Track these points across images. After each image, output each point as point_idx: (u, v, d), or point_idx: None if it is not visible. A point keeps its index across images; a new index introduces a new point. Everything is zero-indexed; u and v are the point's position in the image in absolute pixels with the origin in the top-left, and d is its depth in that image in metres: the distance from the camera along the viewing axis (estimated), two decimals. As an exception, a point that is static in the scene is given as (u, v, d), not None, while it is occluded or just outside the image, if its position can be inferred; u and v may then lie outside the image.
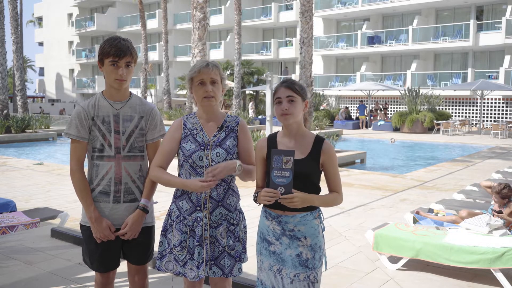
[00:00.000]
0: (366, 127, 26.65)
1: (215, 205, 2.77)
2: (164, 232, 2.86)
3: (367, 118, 27.20)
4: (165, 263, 2.84)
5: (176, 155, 2.87)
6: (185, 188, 2.73)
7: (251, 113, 28.41)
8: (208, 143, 2.77)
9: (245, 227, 2.92)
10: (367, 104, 27.87)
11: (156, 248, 3.00)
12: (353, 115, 29.18)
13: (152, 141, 2.95)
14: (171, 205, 2.88)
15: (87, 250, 2.94)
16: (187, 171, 2.77)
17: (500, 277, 4.43)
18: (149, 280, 3.18)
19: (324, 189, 2.70)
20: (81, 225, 2.96)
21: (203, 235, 2.75)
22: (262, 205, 2.73)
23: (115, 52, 2.72)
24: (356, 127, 26.57)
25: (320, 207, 2.70)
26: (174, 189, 2.90)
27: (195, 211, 2.76)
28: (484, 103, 26.50)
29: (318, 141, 2.66)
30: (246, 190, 8.05)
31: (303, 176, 2.56)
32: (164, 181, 2.76)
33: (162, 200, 7.99)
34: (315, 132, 3.17)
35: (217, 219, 2.78)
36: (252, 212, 6.97)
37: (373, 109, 28.45)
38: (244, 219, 2.95)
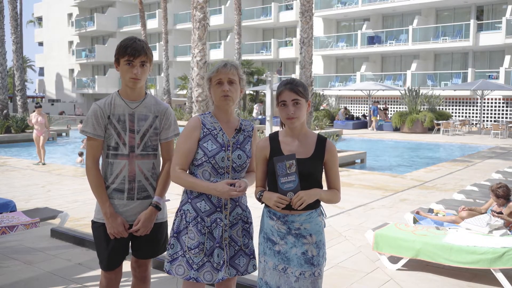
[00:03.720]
0: (375, 128, 26.05)
1: (234, 205, 2.79)
2: (177, 234, 2.78)
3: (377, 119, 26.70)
4: (176, 267, 2.75)
5: None
6: (211, 193, 2.67)
7: (254, 114, 28.30)
8: (228, 144, 2.77)
9: (252, 223, 2.93)
10: (369, 104, 27.80)
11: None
12: (355, 115, 29.17)
13: (165, 140, 2.99)
14: (184, 205, 2.79)
15: (97, 248, 2.98)
16: (206, 171, 2.73)
17: (500, 277, 4.43)
18: (151, 280, 3.18)
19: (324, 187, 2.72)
20: (94, 222, 2.98)
21: (223, 236, 2.73)
22: (264, 205, 2.76)
23: (130, 52, 2.78)
24: (356, 127, 26.51)
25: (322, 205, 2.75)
26: (181, 188, 2.84)
27: (215, 212, 2.74)
28: (484, 103, 26.49)
29: (321, 140, 2.71)
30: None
31: (308, 175, 2.61)
32: (187, 184, 2.72)
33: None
34: (317, 132, 3.18)
35: (234, 219, 2.80)
36: (252, 212, 6.98)
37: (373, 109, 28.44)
38: (251, 217, 2.96)
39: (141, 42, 2.84)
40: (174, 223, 2.83)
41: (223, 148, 2.74)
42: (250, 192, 2.68)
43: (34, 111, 13.08)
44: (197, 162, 2.75)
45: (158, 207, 2.91)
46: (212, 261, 2.72)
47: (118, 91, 2.96)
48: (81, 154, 14.13)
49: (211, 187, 2.66)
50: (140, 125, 2.91)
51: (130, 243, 3.01)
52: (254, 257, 2.86)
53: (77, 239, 5.50)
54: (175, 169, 2.76)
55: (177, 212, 2.84)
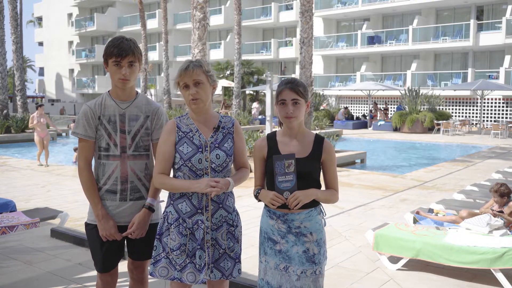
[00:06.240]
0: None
1: (216, 207, 2.73)
2: (159, 236, 2.77)
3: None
4: (159, 268, 2.74)
5: None
6: (192, 188, 2.63)
7: (254, 112, 28.27)
8: (205, 144, 2.71)
9: (241, 227, 2.89)
10: (367, 104, 27.79)
11: None
12: (355, 115, 29.17)
13: (157, 141, 2.93)
14: (167, 207, 2.79)
15: (91, 250, 2.98)
16: (185, 175, 2.70)
17: (500, 277, 4.43)
18: (148, 281, 3.18)
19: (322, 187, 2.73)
20: (87, 224, 2.97)
21: (204, 238, 2.69)
22: (263, 206, 2.76)
23: (117, 52, 2.74)
24: (356, 127, 26.50)
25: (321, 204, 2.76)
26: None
27: (196, 213, 2.70)
28: (484, 103, 26.49)
29: (319, 140, 2.72)
30: (246, 190, 8.06)
31: (306, 175, 2.62)
32: (169, 186, 2.70)
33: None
34: (315, 132, 3.20)
35: (218, 221, 2.74)
36: (252, 212, 6.97)
37: (373, 109, 28.47)
38: (240, 220, 2.91)
39: (129, 41, 2.79)
40: (158, 226, 2.82)
41: (200, 150, 2.69)
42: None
43: (38, 111, 12.33)
44: (176, 166, 2.73)
45: (151, 209, 2.88)
46: (195, 262, 2.70)
47: (108, 91, 2.93)
48: (76, 150, 13.29)
49: (192, 182, 2.64)
50: (131, 126, 2.88)
51: (125, 245, 3.00)
52: (239, 262, 2.81)
53: (77, 239, 5.50)
54: (156, 175, 2.74)
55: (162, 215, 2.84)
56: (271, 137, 2.75)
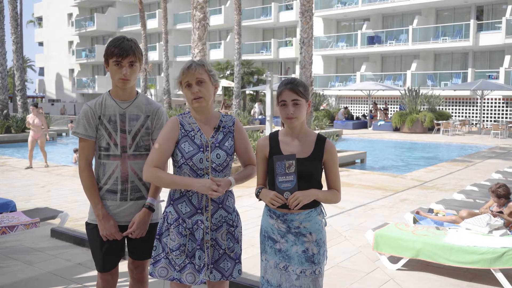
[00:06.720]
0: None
1: (216, 207, 2.73)
2: (159, 236, 2.77)
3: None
4: (159, 269, 2.74)
5: (171, 156, 2.77)
6: (193, 186, 2.61)
7: (257, 113, 28.26)
8: (206, 144, 2.71)
9: (241, 228, 2.89)
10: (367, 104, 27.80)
11: None
12: (355, 115, 29.17)
13: None
14: (166, 208, 2.78)
15: (92, 250, 2.98)
16: (185, 173, 2.70)
17: (500, 277, 4.43)
18: (149, 281, 3.18)
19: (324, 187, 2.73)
20: (87, 223, 2.97)
21: (204, 238, 2.69)
22: (264, 204, 2.77)
23: (118, 52, 2.75)
24: (356, 127, 26.50)
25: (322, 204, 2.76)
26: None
27: (196, 214, 2.70)
28: (484, 103, 26.49)
29: (321, 140, 2.71)
30: (246, 190, 8.06)
31: (307, 175, 2.62)
32: (167, 181, 2.67)
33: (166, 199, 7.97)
34: (317, 132, 3.20)
35: (217, 221, 2.74)
36: (252, 212, 6.98)
37: (373, 109, 28.47)
38: (240, 220, 2.91)
39: (130, 41, 2.80)
40: (158, 226, 2.82)
41: (201, 149, 2.69)
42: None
43: (32, 112, 12.11)
44: (177, 164, 2.72)
45: (151, 209, 2.88)
46: (194, 262, 2.70)
47: (109, 91, 2.94)
48: (76, 151, 13.22)
49: (194, 181, 2.61)
50: (132, 125, 2.89)
51: (125, 244, 3.00)
52: (239, 262, 2.81)
53: (77, 239, 5.50)
54: (150, 168, 2.66)
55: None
56: (273, 137, 2.75)
